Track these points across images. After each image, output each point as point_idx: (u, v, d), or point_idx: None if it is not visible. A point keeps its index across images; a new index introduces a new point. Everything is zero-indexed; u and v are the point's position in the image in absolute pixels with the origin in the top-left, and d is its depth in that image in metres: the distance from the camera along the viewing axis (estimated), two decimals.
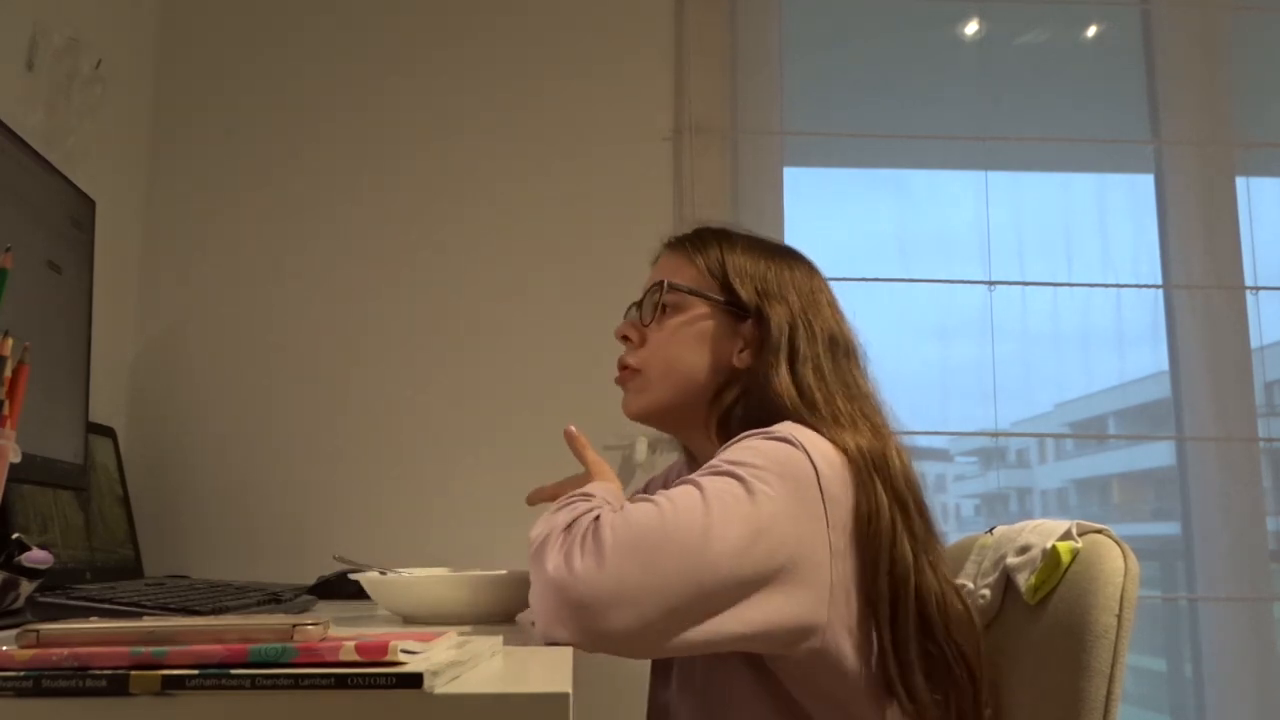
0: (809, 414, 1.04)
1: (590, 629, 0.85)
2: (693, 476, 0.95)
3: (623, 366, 1.18)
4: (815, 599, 0.93)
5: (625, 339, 1.18)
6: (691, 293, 1.13)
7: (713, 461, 0.97)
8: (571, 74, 2.02)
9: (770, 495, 0.92)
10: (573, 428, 1.12)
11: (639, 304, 1.19)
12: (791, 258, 1.17)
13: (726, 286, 1.12)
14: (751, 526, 0.90)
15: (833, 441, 1.00)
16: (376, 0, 2.03)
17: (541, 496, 1.13)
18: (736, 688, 1.03)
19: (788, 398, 1.05)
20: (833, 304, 1.16)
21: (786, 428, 0.99)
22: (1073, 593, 1.03)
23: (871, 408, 1.09)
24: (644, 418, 1.18)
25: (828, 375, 1.08)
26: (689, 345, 1.12)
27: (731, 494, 0.92)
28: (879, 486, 0.99)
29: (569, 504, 0.95)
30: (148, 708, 0.54)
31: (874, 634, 0.98)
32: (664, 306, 1.14)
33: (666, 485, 1.32)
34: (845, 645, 0.96)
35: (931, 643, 0.99)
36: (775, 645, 0.95)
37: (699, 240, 1.17)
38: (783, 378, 1.06)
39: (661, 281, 1.15)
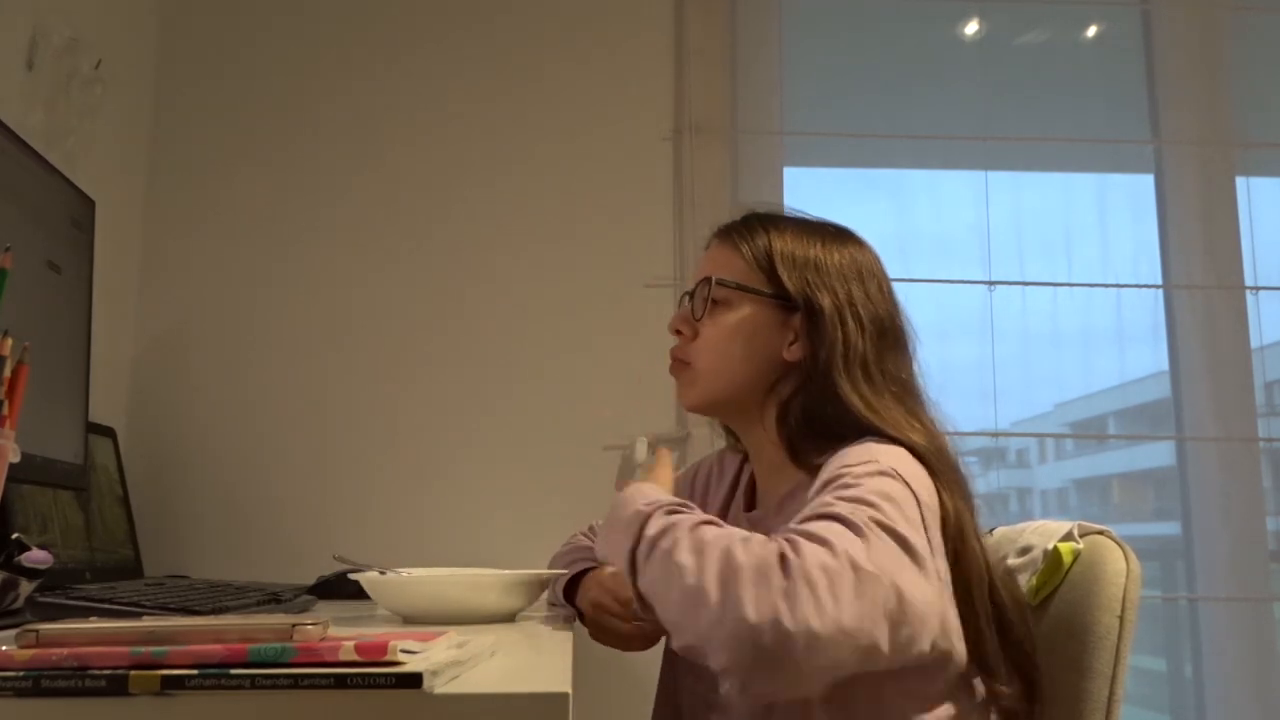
0: (864, 416, 1.03)
1: (795, 673, 0.77)
2: (843, 516, 0.86)
3: (675, 359, 1.18)
4: (936, 623, 0.90)
5: (678, 332, 1.17)
6: (739, 287, 1.13)
7: (827, 499, 0.90)
8: (572, 74, 2.02)
9: (905, 548, 0.87)
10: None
11: (690, 294, 1.18)
12: (843, 239, 1.16)
13: (774, 278, 1.12)
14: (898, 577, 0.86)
15: (903, 445, 1.00)
16: (377, 2, 2.03)
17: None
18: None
19: (856, 397, 1.04)
20: (884, 288, 1.14)
21: (880, 455, 0.96)
22: (1074, 594, 1.03)
23: (919, 404, 1.09)
24: (698, 409, 1.18)
25: (874, 372, 1.07)
26: (739, 340, 1.12)
27: (880, 539, 0.85)
28: (953, 488, 0.99)
29: (697, 527, 0.87)
30: (147, 708, 0.54)
31: (966, 631, 0.97)
32: (713, 301, 1.14)
33: (695, 484, 1.31)
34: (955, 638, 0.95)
35: (1004, 633, 0.99)
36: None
37: (747, 229, 1.16)
38: (847, 378, 1.06)
39: (710, 277, 1.14)
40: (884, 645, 0.79)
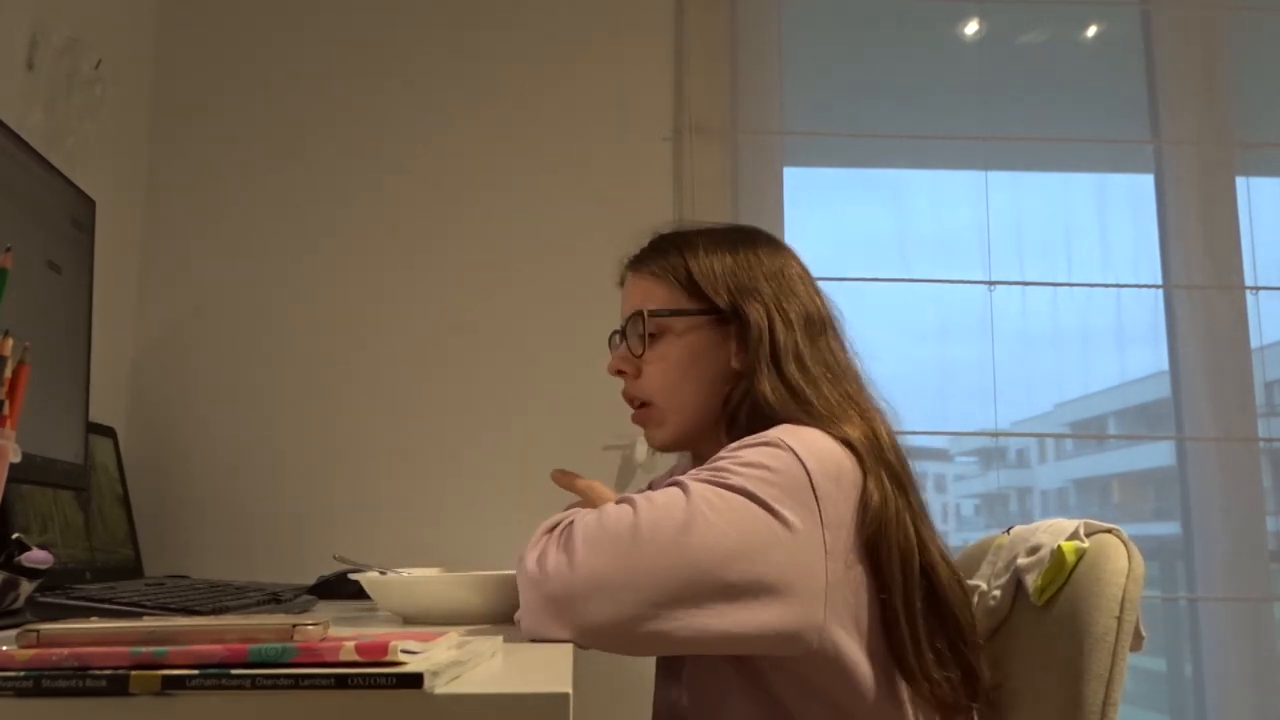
0: (800, 410, 1.04)
1: (568, 622, 0.86)
2: (679, 478, 0.96)
3: (631, 402, 1.17)
4: (808, 604, 0.92)
5: (620, 373, 1.17)
6: (670, 313, 1.13)
7: (700, 468, 0.98)
8: (571, 74, 2.02)
9: (756, 504, 0.92)
10: (556, 471, 1.14)
11: (621, 334, 1.18)
12: (752, 241, 1.16)
13: (700, 295, 1.12)
14: (734, 532, 0.90)
15: (837, 438, 1.00)
16: (376, 0, 2.03)
17: (564, 481, 1.14)
18: (729, 696, 1.03)
19: (776, 398, 1.05)
20: (804, 277, 1.15)
21: (777, 432, 0.99)
22: (1076, 594, 1.03)
23: (855, 385, 1.09)
24: (672, 448, 1.18)
25: (809, 361, 1.08)
26: (686, 365, 1.12)
27: (717, 496, 0.92)
28: (881, 474, 0.99)
29: (558, 515, 0.97)
30: (148, 708, 0.54)
31: (886, 622, 0.97)
32: (650, 335, 1.14)
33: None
34: (846, 641, 0.95)
35: (939, 618, 0.99)
36: (769, 649, 0.95)
37: (659, 254, 1.17)
38: (768, 378, 1.06)
39: (640, 312, 1.14)
40: (649, 595, 0.86)
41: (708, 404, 1.12)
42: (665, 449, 1.18)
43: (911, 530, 0.99)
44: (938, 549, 1.02)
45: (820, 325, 1.12)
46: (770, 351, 1.07)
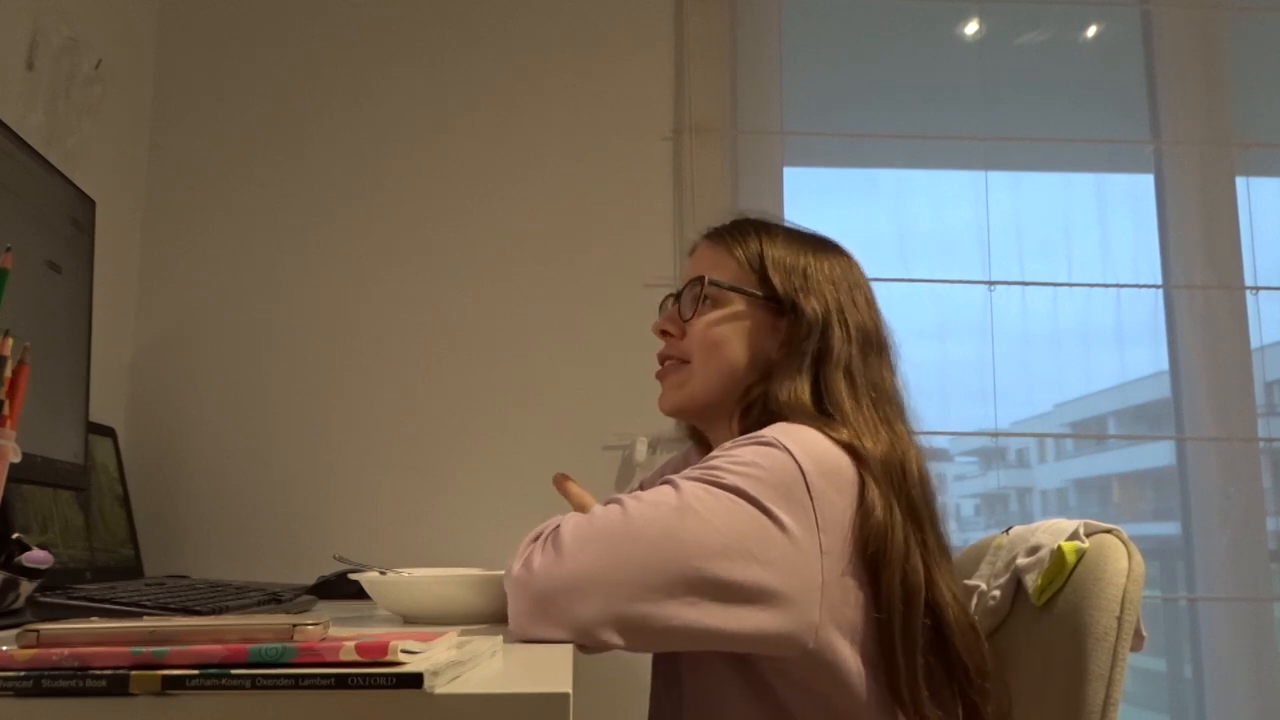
0: (817, 415, 1.03)
1: (559, 619, 0.86)
2: (671, 477, 0.96)
3: (664, 359, 1.17)
4: (803, 605, 0.92)
5: (665, 333, 1.18)
6: (731, 288, 1.13)
7: (693, 467, 0.97)
8: (572, 74, 2.02)
9: (748, 503, 0.92)
10: (558, 474, 1.13)
11: (676, 297, 1.19)
12: (831, 250, 1.17)
13: (765, 280, 1.12)
14: (725, 528, 0.90)
15: (839, 442, 0.99)
16: (376, 1, 2.03)
17: (560, 485, 1.12)
18: (727, 699, 1.03)
19: (792, 402, 1.04)
20: (870, 299, 1.16)
21: (772, 430, 0.99)
22: (1076, 594, 1.03)
23: (895, 411, 1.09)
24: (679, 412, 1.17)
25: (857, 375, 1.07)
26: (729, 340, 1.12)
27: (708, 494, 0.92)
28: (891, 497, 0.98)
29: (541, 525, 0.97)
30: (148, 708, 0.54)
31: (882, 646, 0.96)
32: (704, 300, 1.14)
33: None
34: (841, 645, 0.95)
35: (940, 657, 0.98)
36: (766, 650, 0.94)
37: (738, 232, 1.17)
38: (795, 381, 1.06)
39: (702, 276, 1.15)
40: (629, 591, 0.86)
41: (733, 384, 1.12)
42: (673, 412, 1.18)
43: (920, 565, 0.97)
44: (950, 591, 1.00)
45: (877, 346, 1.12)
46: (816, 354, 1.07)
